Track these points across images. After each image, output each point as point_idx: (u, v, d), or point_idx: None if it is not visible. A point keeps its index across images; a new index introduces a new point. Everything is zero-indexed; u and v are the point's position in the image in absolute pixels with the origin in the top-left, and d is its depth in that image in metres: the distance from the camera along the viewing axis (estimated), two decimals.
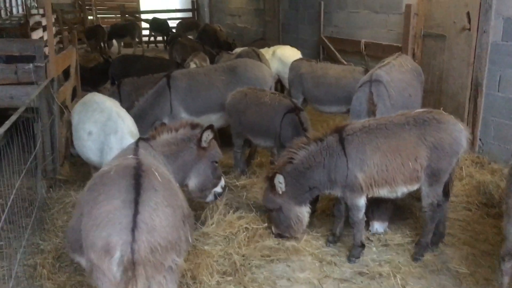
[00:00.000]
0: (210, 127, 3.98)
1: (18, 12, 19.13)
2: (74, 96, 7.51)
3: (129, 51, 18.79)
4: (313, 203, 4.41)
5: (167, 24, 19.88)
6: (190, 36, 19.74)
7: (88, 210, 2.62)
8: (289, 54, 8.71)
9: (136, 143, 3.45)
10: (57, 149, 6.17)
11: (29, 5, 17.55)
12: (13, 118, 4.67)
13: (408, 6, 7.32)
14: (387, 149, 3.89)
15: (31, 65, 5.86)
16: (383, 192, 4.01)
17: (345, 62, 9.35)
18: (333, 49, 9.81)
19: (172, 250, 2.59)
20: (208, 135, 3.99)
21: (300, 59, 7.66)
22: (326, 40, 10.10)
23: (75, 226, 2.75)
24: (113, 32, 18.25)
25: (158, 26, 19.67)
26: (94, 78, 9.21)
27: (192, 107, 6.30)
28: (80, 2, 24.52)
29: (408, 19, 7.34)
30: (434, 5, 7.00)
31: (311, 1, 11.00)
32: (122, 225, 2.47)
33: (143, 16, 23.13)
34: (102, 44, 17.82)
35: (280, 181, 3.99)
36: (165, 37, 19.56)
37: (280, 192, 4.05)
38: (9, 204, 4.03)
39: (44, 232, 4.64)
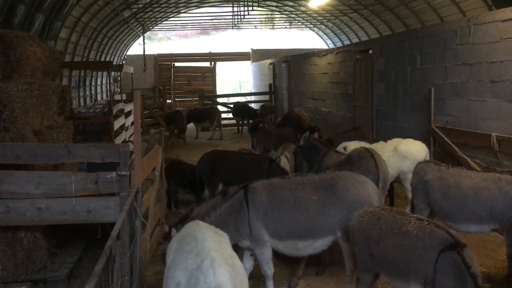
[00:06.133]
0: None
1: (102, 98, 19.59)
2: (158, 201, 6.55)
3: (207, 135, 18.43)
4: None
5: (249, 107, 19.48)
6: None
7: None
8: (415, 149, 7.36)
9: None
10: (138, 275, 5.06)
11: (112, 91, 17.85)
12: (106, 250, 3.72)
13: None
14: None
15: (113, 174, 4.95)
16: None
17: (467, 158, 7.87)
18: (449, 142, 8.36)
19: None
20: None
21: (427, 161, 6.25)
22: (439, 131, 8.69)
23: None
24: (192, 116, 18.00)
25: (240, 110, 19.28)
26: (192, 180, 8.15)
27: (274, 229, 4.98)
28: (160, 87, 25.18)
29: None
30: None
31: (416, 87, 9.79)
32: None
33: (220, 100, 23.11)
34: (180, 130, 17.56)
35: None
36: (245, 121, 19.08)
37: None
38: None
39: None
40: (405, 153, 7.46)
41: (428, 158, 7.68)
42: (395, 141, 7.77)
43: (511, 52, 7.08)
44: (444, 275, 3.77)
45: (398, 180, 7.84)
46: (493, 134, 7.25)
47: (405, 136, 8.27)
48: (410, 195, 6.96)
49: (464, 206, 5.40)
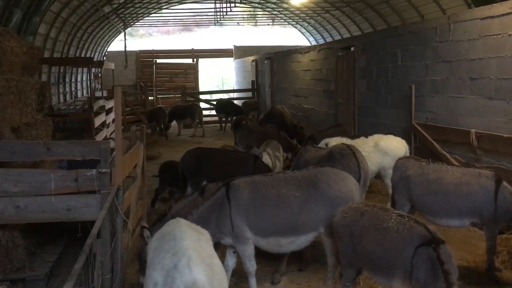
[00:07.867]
0: None
1: (82, 95, 19.32)
2: (140, 198, 6.48)
3: (189, 132, 18.33)
4: None
5: (232, 104, 19.43)
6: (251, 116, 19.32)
7: None
8: (395, 145, 7.47)
9: None
10: (119, 273, 5.01)
11: (93, 88, 17.63)
12: (86, 248, 3.62)
13: None
14: None
15: (94, 172, 4.87)
16: None
17: (447, 154, 7.98)
18: (429, 138, 8.46)
19: None
20: None
21: (408, 157, 6.32)
22: (419, 128, 8.79)
23: None
24: (173, 114, 17.90)
25: (225, 107, 19.21)
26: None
27: (256, 226, 4.97)
28: (142, 84, 24.95)
29: None
30: None
31: (397, 84, 9.88)
32: None
33: (202, 97, 23.01)
34: (162, 126, 17.46)
35: None
36: (229, 118, 19.05)
37: None
38: None
39: None
40: (385, 149, 7.56)
41: (408, 154, 7.78)
42: (376, 137, 7.85)
43: (490, 50, 7.19)
44: (419, 270, 3.81)
45: (378, 176, 7.94)
46: (472, 131, 7.36)
47: (386, 132, 8.36)
48: (390, 191, 7.04)
49: (445, 201, 5.49)
